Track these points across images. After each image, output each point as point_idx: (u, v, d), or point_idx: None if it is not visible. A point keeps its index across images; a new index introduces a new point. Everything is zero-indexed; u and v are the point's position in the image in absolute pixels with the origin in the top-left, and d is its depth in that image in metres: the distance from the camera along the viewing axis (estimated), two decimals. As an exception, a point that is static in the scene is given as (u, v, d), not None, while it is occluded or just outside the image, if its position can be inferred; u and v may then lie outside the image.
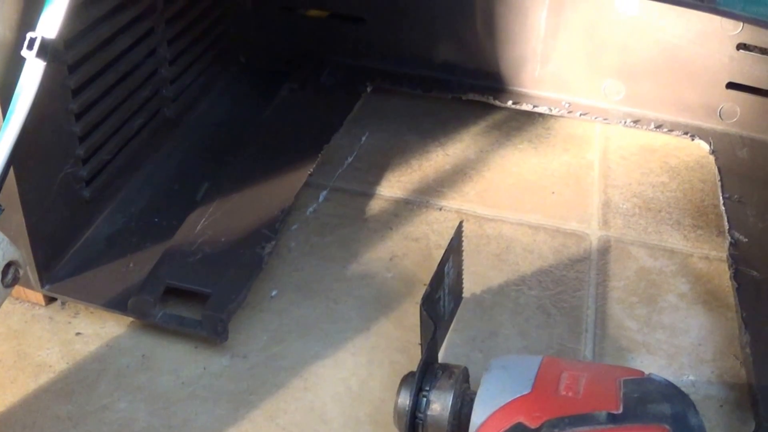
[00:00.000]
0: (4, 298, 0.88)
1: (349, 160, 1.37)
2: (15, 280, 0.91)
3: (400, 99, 1.50)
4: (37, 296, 1.07)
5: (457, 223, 1.03)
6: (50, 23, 0.83)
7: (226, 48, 1.49)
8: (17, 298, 1.08)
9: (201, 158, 1.30)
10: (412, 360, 0.86)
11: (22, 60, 0.83)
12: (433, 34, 1.46)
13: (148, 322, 1.04)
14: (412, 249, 1.19)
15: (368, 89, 1.46)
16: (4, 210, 0.88)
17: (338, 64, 1.50)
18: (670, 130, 1.40)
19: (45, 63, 0.83)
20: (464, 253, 1.05)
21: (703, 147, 1.38)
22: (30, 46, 0.82)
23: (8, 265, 0.87)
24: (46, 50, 0.82)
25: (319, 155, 1.27)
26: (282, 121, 1.36)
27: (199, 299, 1.03)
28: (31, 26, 0.83)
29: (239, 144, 1.31)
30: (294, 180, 1.22)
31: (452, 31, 1.45)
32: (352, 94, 1.44)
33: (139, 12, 1.18)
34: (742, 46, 1.33)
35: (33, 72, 0.83)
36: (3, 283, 0.87)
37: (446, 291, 0.97)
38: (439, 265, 0.95)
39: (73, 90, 1.05)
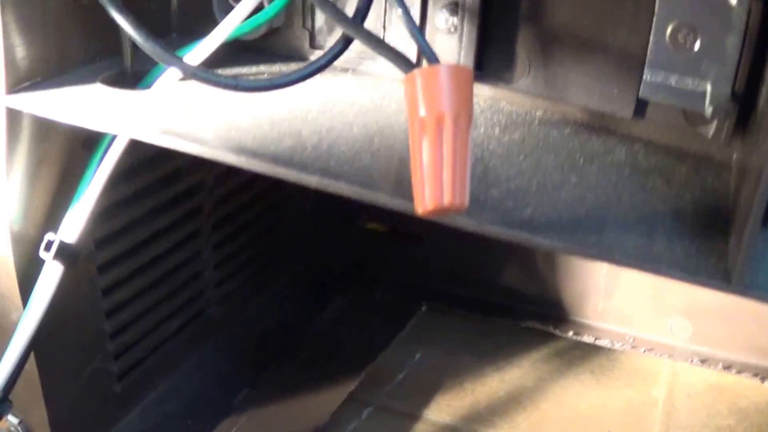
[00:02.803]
0: None
1: (400, 377, 1.32)
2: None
3: (458, 317, 1.45)
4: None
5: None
6: (72, 226, 0.81)
7: (281, 253, 1.43)
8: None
9: (243, 363, 1.28)
10: None
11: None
12: (495, 258, 1.44)
13: None
14: (449, 483, 1.12)
15: (423, 308, 1.43)
16: (12, 406, 0.86)
17: (393, 282, 1.49)
18: (739, 372, 1.32)
19: (63, 267, 0.81)
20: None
21: (776, 391, 1.29)
22: (48, 248, 0.80)
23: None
24: (64, 254, 0.80)
25: (363, 373, 1.23)
26: (330, 334, 1.35)
27: None
28: (55, 227, 0.82)
29: (284, 352, 1.29)
30: (333, 397, 1.19)
31: (514, 258, 1.43)
32: (405, 313, 1.41)
33: (183, 214, 1.11)
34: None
35: (51, 274, 0.81)
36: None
37: None
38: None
39: (103, 290, 0.99)
